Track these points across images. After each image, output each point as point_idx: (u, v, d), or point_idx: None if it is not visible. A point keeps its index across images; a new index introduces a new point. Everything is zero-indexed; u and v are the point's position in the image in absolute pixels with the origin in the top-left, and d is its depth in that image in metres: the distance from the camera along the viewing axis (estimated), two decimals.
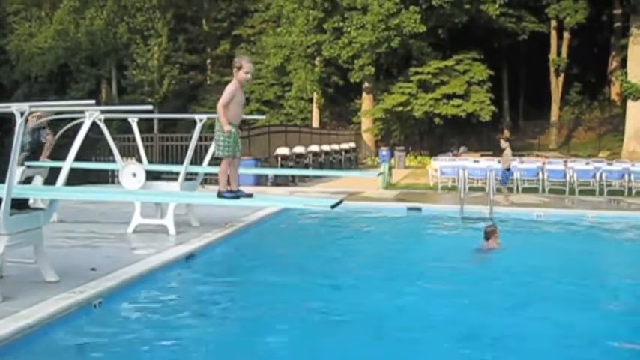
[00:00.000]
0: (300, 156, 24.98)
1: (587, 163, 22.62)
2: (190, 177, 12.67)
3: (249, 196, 7.54)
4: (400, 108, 39.27)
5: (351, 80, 41.60)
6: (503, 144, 17.70)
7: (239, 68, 7.19)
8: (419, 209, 15.73)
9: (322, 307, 7.47)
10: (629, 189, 20.60)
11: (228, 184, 7.38)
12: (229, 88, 7.17)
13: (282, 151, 24.31)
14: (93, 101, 6.86)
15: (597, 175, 20.99)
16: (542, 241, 12.54)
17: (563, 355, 6.07)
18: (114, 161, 12.63)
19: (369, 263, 10.51)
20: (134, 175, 11.00)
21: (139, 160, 12.46)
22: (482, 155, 29.78)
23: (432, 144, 41.35)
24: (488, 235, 10.65)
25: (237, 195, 7.38)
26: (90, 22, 40.22)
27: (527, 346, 6.17)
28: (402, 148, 36.85)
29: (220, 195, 7.36)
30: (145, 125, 29.03)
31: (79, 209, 13.27)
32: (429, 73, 39.24)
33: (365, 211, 15.43)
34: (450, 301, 7.66)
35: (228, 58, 52.62)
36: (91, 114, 7.48)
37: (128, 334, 6.19)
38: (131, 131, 12.66)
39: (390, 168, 25.39)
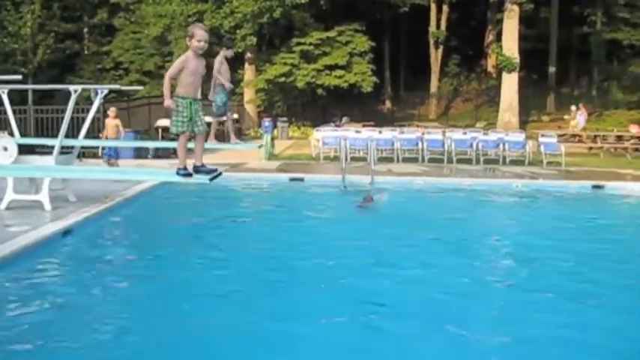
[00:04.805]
0: None
1: (465, 133, 23.36)
2: (66, 150, 12.25)
3: (214, 171, 7.47)
4: (282, 79, 39.22)
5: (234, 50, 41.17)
6: (111, 113, 17.29)
7: (191, 37, 7.12)
8: (301, 179, 15.85)
9: (199, 279, 7.45)
10: (504, 157, 21.43)
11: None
12: (179, 59, 7.13)
13: (163, 122, 23.82)
14: None
15: (474, 145, 21.75)
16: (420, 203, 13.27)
17: None
18: None
19: (250, 234, 10.54)
20: (5, 149, 10.56)
21: (11, 134, 11.98)
22: (364, 125, 30.17)
23: (314, 115, 41.52)
24: (366, 199, 12.47)
25: (190, 172, 7.29)
26: None
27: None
28: (284, 118, 36.93)
29: (178, 172, 7.29)
30: (19, 97, 27.78)
31: None
32: (311, 44, 39.30)
33: (247, 183, 15.43)
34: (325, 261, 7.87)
35: (106, 27, 51.11)
36: None
37: None
38: (2, 103, 12.13)
39: (273, 139, 25.40)
